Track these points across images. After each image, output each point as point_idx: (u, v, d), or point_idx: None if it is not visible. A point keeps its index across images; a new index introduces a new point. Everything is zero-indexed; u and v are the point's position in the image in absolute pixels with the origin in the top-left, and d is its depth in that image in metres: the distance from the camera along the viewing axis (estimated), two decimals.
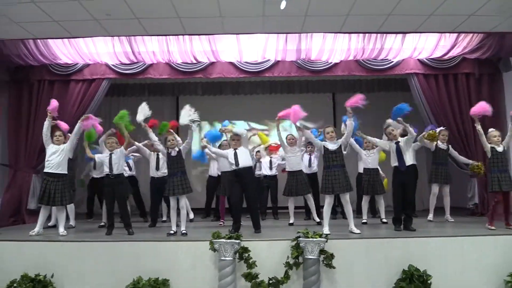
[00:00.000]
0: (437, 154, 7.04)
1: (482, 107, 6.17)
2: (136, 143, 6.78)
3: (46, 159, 6.02)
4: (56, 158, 5.97)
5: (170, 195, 5.93)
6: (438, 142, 6.95)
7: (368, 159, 6.97)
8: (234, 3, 5.85)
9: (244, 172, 6.00)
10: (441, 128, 7.15)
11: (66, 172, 6.13)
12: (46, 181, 5.98)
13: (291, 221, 7.03)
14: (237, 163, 5.96)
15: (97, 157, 6.35)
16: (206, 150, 6.82)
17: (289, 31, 7.17)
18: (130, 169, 7.79)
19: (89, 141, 6.45)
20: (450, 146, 7.18)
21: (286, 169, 7.12)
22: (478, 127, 6.05)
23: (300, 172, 6.96)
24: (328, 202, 5.79)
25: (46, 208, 6.09)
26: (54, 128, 6.19)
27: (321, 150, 5.92)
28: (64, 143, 6.10)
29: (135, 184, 7.79)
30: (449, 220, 7.00)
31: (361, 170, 7.40)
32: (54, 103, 6.10)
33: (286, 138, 7.15)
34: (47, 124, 5.98)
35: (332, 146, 5.80)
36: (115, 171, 6.11)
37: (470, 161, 7.11)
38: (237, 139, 6.11)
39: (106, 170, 6.16)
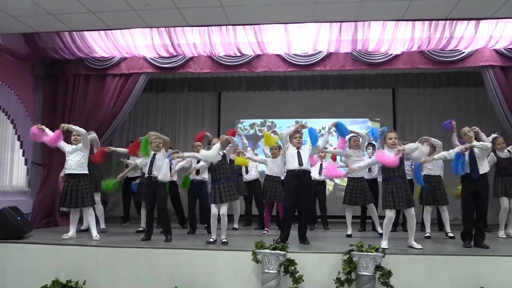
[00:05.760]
0: (500, 165, 6.80)
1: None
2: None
3: (66, 160, 6.24)
4: (73, 158, 6.17)
5: (217, 202, 5.86)
6: (497, 151, 6.75)
7: (428, 165, 6.70)
8: None
9: (306, 174, 5.96)
10: (493, 135, 6.83)
11: (87, 172, 6.30)
12: (67, 183, 6.18)
13: (348, 232, 6.89)
14: (300, 163, 5.86)
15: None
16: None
17: (344, 20, 7.08)
18: None
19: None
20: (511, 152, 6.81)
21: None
22: None
23: (362, 179, 6.86)
24: (389, 216, 5.56)
25: (75, 211, 6.28)
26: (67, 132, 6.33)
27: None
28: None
29: (175, 189, 7.85)
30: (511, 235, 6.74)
31: None
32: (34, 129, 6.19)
33: (350, 139, 6.94)
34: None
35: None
36: (156, 174, 6.08)
37: None
38: (299, 137, 6.06)
39: (145, 171, 6.18)
